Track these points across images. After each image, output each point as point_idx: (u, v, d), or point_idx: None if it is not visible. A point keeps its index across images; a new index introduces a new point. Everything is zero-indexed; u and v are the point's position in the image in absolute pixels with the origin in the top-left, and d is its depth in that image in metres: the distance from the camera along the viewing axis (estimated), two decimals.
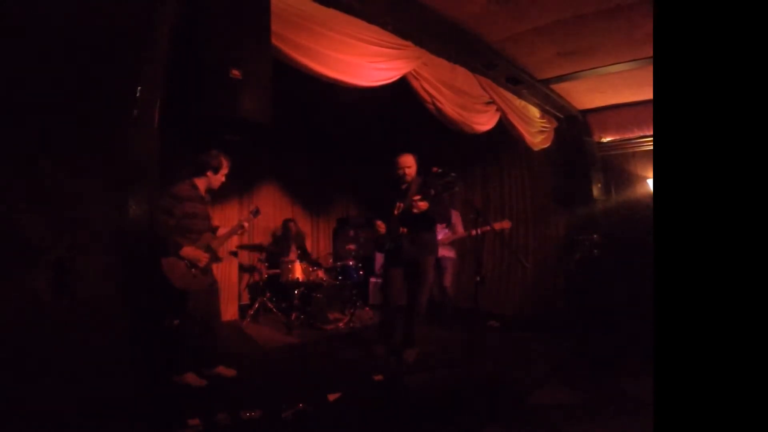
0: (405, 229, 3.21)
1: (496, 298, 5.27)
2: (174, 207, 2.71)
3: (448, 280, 4.64)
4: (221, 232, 3.12)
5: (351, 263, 5.20)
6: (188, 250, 2.72)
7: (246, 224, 3.21)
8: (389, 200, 3.34)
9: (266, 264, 5.12)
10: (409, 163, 3.30)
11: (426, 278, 3.31)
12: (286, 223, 5.51)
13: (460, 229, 4.62)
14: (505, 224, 4.40)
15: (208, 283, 2.88)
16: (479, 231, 3.50)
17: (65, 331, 1.40)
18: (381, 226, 3.33)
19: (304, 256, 5.20)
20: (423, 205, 3.08)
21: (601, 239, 4.69)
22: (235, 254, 5.22)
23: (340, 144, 6.25)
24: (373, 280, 5.63)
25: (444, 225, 4.39)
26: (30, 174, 1.37)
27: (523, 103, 4.40)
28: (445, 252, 4.63)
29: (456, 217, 4.70)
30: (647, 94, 4.44)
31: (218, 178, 2.91)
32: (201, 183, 2.88)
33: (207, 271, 2.87)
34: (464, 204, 4.97)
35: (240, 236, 5.05)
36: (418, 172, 3.37)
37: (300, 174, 6.21)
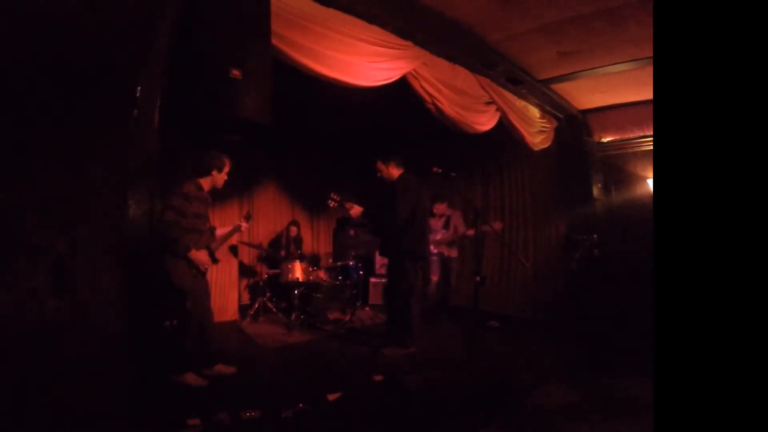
0: (352, 231, 3.50)
1: (496, 298, 5.26)
2: (185, 207, 2.72)
3: (455, 278, 4.76)
4: (219, 232, 3.14)
5: (351, 263, 5.20)
6: (195, 254, 2.74)
7: (243, 225, 3.27)
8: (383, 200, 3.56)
9: (265, 264, 5.12)
10: (378, 167, 3.61)
11: (391, 277, 3.48)
12: (289, 224, 5.56)
13: (461, 229, 4.67)
14: (497, 225, 4.59)
15: (205, 284, 2.90)
16: (476, 230, 3.58)
17: (65, 331, 1.40)
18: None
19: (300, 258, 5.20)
20: (355, 211, 3.39)
21: (601, 239, 4.69)
22: (234, 250, 5.21)
23: (341, 144, 6.24)
24: (373, 280, 5.63)
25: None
26: (30, 174, 1.37)
27: (523, 103, 4.39)
28: (451, 253, 4.71)
29: (457, 217, 4.75)
30: (647, 94, 4.43)
31: (222, 177, 2.96)
32: (205, 183, 2.91)
33: (204, 272, 2.89)
34: (465, 204, 5.00)
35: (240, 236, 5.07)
36: (402, 176, 3.56)
37: (300, 174, 6.21)
